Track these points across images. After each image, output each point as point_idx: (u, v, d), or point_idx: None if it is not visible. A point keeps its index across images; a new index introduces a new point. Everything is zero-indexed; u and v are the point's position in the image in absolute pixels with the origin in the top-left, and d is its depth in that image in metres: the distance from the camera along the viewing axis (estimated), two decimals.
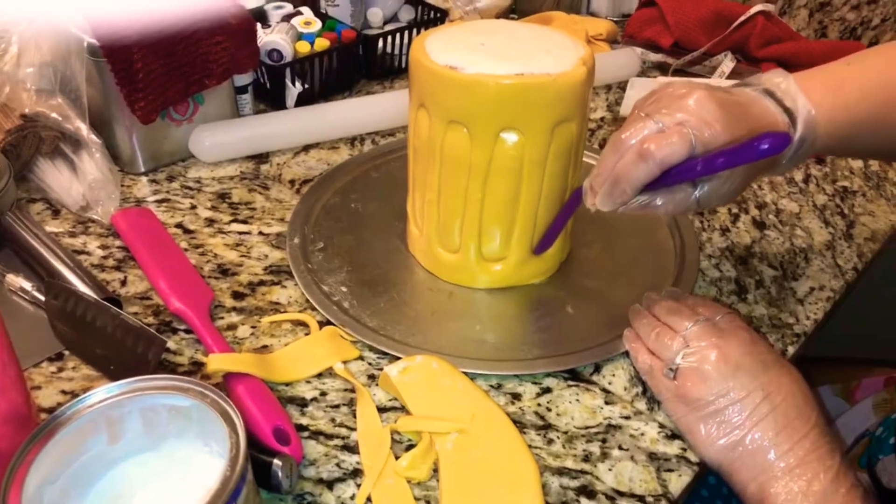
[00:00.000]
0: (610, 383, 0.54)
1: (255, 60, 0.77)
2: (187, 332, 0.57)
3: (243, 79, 0.82)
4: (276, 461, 0.44)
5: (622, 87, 0.91)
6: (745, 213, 0.72)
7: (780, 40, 0.93)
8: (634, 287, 0.61)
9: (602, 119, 0.87)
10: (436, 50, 0.55)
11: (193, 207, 0.71)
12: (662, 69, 0.96)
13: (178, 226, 0.68)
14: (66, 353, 0.55)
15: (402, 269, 0.64)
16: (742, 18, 0.93)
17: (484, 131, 0.54)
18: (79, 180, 0.70)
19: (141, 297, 0.60)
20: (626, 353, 0.55)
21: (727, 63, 0.93)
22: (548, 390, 0.53)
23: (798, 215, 0.72)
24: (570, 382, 0.54)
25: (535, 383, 0.54)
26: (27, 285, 0.59)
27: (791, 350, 0.57)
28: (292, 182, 0.74)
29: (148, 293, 0.61)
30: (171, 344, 0.56)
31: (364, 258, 0.64)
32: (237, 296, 0.61)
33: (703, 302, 0.53)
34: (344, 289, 0.61)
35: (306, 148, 0.80)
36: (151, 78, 0.69)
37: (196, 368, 0.54)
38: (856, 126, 0.50)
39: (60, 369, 0.54)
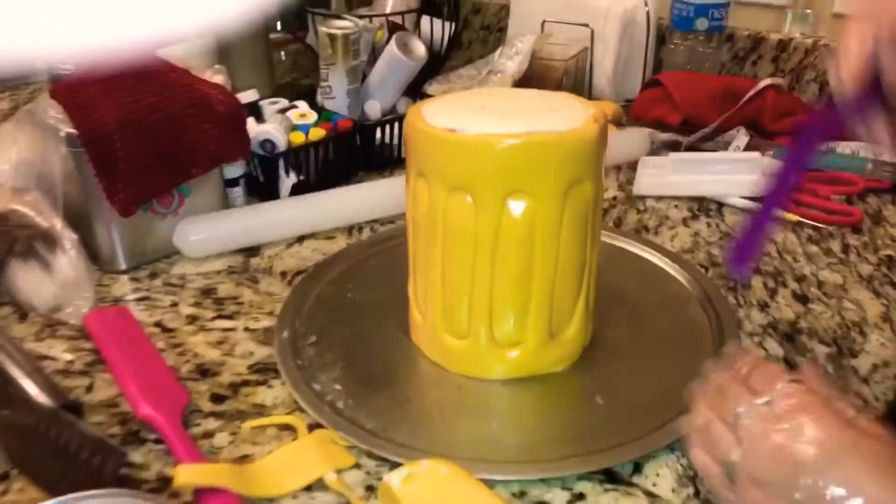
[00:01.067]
0: (654, 485, 0.45)
1: (245, 149, 0.73)
2: (157, 441, 0.49)
3: (234, 171, 0.78)
4: None
5: (632, 167, 0.87)
6: (783, 286, 0.65)
7: (794, 113, 0.90)
8: (669, 370, 0.53)
9: (615, 198, 0.81)
10: (433, 113, 0.51)
11: (175, 305, 0.64)
12: (673, 147, 0.91)
13: (157, 325, 0.62)
14: (14, 471, 0.47)
15: (404, 361, 0.57)
16: (752, 92, 0.89)
17: (489, 197, 0.48)
18: (51, 280, 0.64)
19: (107, 405, 0.53)
20: (671, 447, 0.46)
21: (741, 138, 0.88)
22: (581, 497, 0.45)
23: (843, 287, 0.65)
24: (608, 486, 0.45)
25: (565, 488, 0.45)
26: None
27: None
28: (284, 274, 0.68)
29: (116, 399, 0.53)
30: (136, 456, 0.48)
31: (361, 351, 0.57)
32: (216, 399, 0.53)
33: (758, 364, 0.42)
34: (338, 386, 0.53)
35: (300, 239, 0.74)
36: (133, 167, 0.65)
37: (164, 484, 0.46)
38: None
39: (5, 491, 0.46)
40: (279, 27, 1.44)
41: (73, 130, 0.63)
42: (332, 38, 0.85)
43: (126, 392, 0.53)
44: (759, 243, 0.49)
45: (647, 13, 1.02)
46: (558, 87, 1.02)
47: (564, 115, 0.50)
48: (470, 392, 0.53)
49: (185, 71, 0.71)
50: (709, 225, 0.75)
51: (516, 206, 0.48)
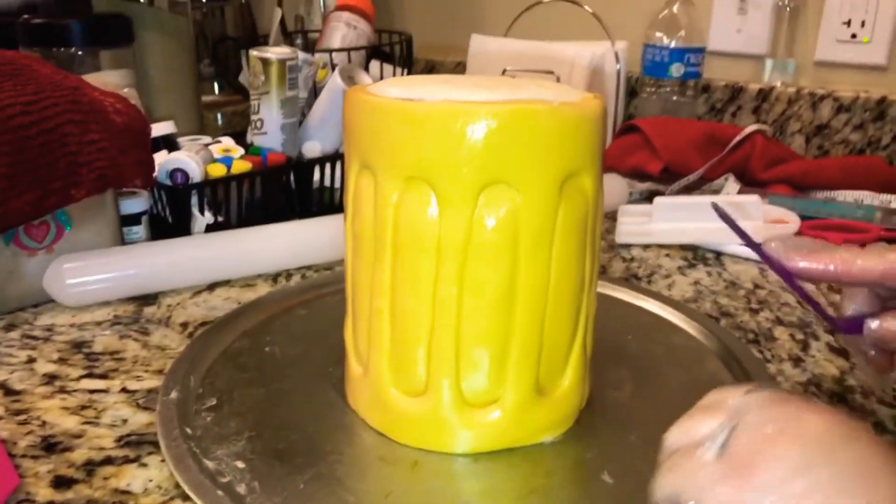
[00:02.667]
0: None
1: (147, 173, 0.59)
2: None
3: (134, 205, 0.63)
4: None
5: (610, 216, 0.76)
6: (815, 338, 0.52)
7: (784, 160, 0.81)
8: None
9: None
10: (382, 86, 0.38)
11: (31, 361, 0.48)
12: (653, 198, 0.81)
13: (1, 387, 0.45)
14: None
15: (337, 430, 0.41)
16: (739, 137, 0.80)
17: (458, 191, 0.35)
18: None
19: None
20: None
21: (731, 186, 0.78)
22: None
23: None
24: None
25: None
26: None
27: None
28: (185, 325, 0.53)
29: None
30: None
31: (278, 418, 0.42)
32: (60, 483, 0.37)
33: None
34: (240, 464, 0.37)
35: (211, 286, 0.59)
36: None
37: None
38: None
39: None
40: (216, 89, 1.34)
41: None
42: (264, 63, 0.73)
43: None
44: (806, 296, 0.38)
45: (618, 66, 0.94)
46: None
47: (554, 91, 0.38)
48: (428, 471, 0.38)
49: (73, 76, 0.57)
50: (709, 274, 0.63)
51: (494, 204, 0.35)
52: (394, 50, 0.98)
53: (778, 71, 0.89)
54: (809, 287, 0.36)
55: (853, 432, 0.27)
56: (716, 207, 0.39)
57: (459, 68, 1.11)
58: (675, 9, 0.88)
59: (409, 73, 0.99)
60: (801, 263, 0.36)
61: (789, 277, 0.36)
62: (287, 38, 1.07)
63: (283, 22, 1.00)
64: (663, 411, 0.43)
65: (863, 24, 0.84)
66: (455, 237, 0.35)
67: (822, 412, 0.28)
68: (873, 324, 0.36)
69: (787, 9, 0.88)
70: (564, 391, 0.40)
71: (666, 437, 0.32)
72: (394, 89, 0.37)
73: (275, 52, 0.73)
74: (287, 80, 0.74)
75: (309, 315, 0.54)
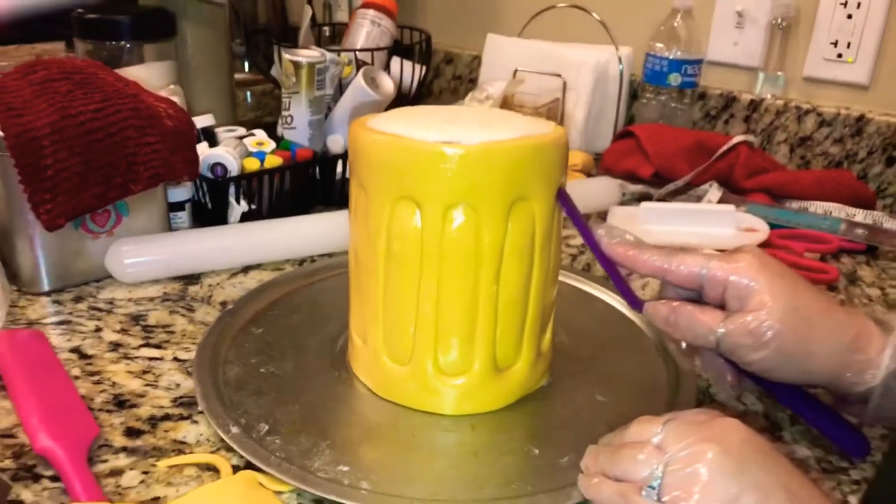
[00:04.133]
0: None
1: (193, 170, 0.68)
2: (54, 479, 0.42)
3: (180, 193, 0.72)
4: None
5: (602, 216, 0.84)
6: None
7: (766, 171, 0.88)
8: (618, 418, 0.47)
9: (583, 245, 0.78)
10: (379, 120, 0.48)
11: (98, 330, 0.58)
12: (644, 199, 0.89)
13: (74, 350, 0.55)
14: None
15: (342, 393, 0.51)
16: (725, 147, 0.88)
17: (435, 209, 0.45)
18: None
19: (4, 435, 0.46)
20: None
21: (714, 192, 0.86)
22: None
23: None
24: None
25: None
26: None
27: (854, 500, 0.44)
28: (224, 304, 0.62)
29: (14, 430, 0.46)
30: (27, 494, 0.41)
31: (299, 384, 0.51)
32: (131, 433, 0.46)
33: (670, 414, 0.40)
34: (264, 425, 0.47)
35: (246, 269, 0.68)
36: (63, 176, 0.59)
37: None
38: None
39: None
40: (247, 67, 1.42)
41: None
42: (296, 65, 0.81)
43: (25, 422, 0.46)
44: (622, 283, 0.48)
45: (621, 67, 1.01)
46: None
47: (519, 126, 0.47)
48: (404, 423, 0.48)
49: (132, 82, 0.66)
50: None
51: (460, 219, 0.45)
52: (414, 48, 1.05)
53: (769, 83, 0.96)
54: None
55: (765, 449, 0.36)
56: (561, 196, 0.47)
57: (475, 62, 1.18)
58: (676, 21, 0.95)
59: (426, 69, 1.06)
60: (619, 250, 0.46)
61: (606, 262, 0.46)
62: (315, 27, 1.15)
63: (313, 17, 1.08)
64: (603, 395, 0.52)
65: (848, 45, 0.90)
66: (433, 244, 0.45)
67: (730, 432, 0.36)
68: (647, 306, 0.45)
69: (781, 27, 0.94)
70: (518, 370, 0.49)
71: (594, 456, 0.40)
72: (388, 125, 0.46)
73: (305, 56, 0.82)
74: (315, 81, 0.82)
75: (323, 291, 0.64)
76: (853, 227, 0.79)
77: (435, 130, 0.45)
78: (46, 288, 0.63)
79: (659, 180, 0.89)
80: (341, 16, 1.26)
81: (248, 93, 1.32)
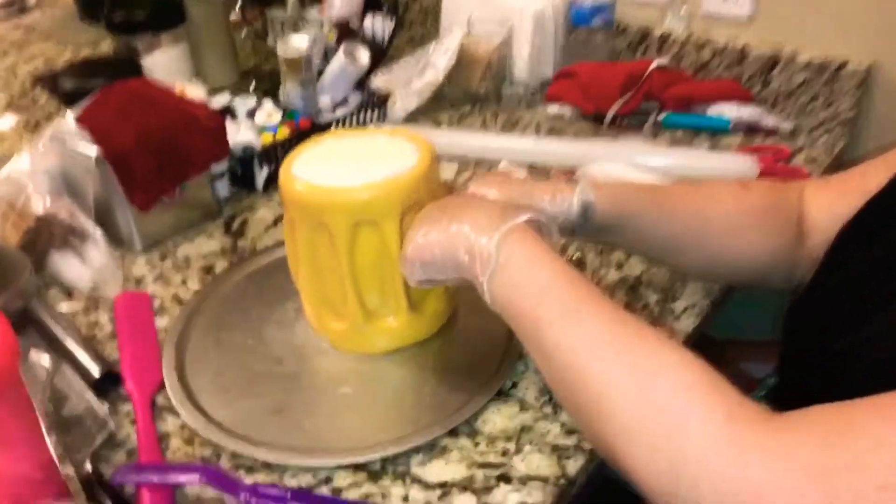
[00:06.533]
0: (523, 395, 0.69)
1: (226, 151, 0.93)
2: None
3: (219, 167, 0.97)
4: None
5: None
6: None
7: (677, 83, 1.11)
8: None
9: None
10: (299, 169, 0.70)
11: (185, 281, 0.85)
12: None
13: (174, 297, 0.83)
14: None
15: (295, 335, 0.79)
16: (645, 74, 1.10)
17: (341, 228, 0.67)
18: (86, 266, 0.84)
19: (116, 377, 0.73)
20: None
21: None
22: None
23: None
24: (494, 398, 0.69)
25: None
26: (44, 360, 0.72)
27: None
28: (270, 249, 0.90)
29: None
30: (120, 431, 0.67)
31: (259, 337, 0.77)
32: None
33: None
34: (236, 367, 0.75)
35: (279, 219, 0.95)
36: (146, 176, 0.84)
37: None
38: (629, 211, 0.66)
39: None
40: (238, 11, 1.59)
41: (98, 152, 0.82)
42: (288, 62, 1.04)
43: (122, 368, 0.71)
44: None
45: (554, 11, 1.22)
46: (483, 75, 1.22)
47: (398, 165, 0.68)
48: (343, 360, 0.73)
49: (179, 98, 0.90)
50: None
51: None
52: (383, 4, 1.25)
53: (676, 20, 1.17)
54: None
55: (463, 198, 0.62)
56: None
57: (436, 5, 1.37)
58: None
59: (397, 23, 1.26)
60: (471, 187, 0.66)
61: None
62: None
63: None
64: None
65: None
66: (343, 244, 0.68)
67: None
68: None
69: None
70: (431, 310, 0.74)
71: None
72: (300, 169, 0.69)
73: (297, 50, 1.03)
74: (303, 66, 1.05)
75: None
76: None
77: (344, 173, 0.67)
78: (139, 247, 0.90)
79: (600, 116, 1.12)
80: None
81: (243, 32, 1.49)
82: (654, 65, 1.12)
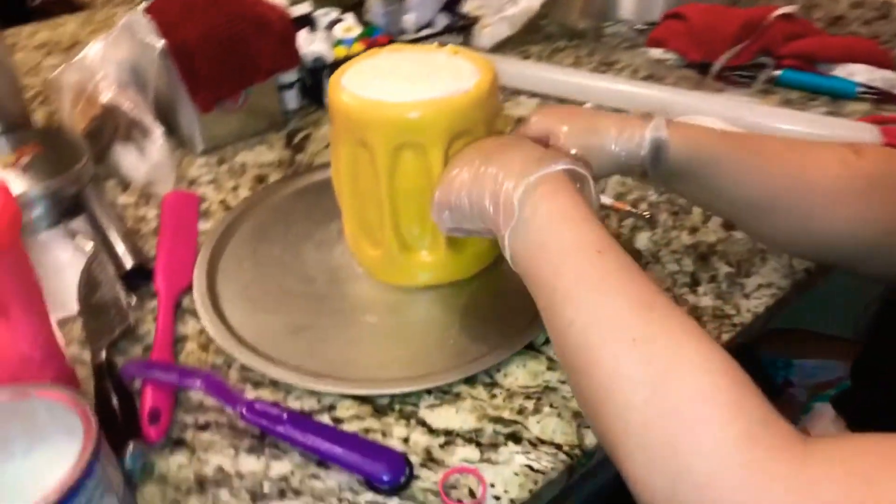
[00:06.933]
0: (555, 353, 0.63)
1: (295, 60, 0.90)
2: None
3: (288, 77, 0.94)
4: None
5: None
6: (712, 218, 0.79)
7: (802, 36, 0.98)
8: None
9: None
10: (347, 78, 0.65)
11: (235, 188, 0.84)
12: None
13: (222, 202, 0.81)
14: None
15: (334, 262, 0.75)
16: (765, 23, 0.98)
17: (385, 149, 0.62)
18: (144, 161, 0.84)
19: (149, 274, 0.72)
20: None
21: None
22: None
23: None
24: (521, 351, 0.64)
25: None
26: (88, 246, 0.72)
27: (725, 337, 0.65)
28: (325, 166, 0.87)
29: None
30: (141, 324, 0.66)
31: (298, 260, 0.73)
32: None
33: None
34: (276, 287, 0.72)
35: None
36: (209, 74, 0.82)
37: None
38: (709, 156, 0.58)
39: None
40: None
41: (164, 45, 0.81)
42: None
43: (156, 264, 0.70)
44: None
45: None
46: (584, 9, 1.13)
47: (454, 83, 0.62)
48: (381, 289, 0.69)
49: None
50: None
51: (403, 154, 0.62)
52: None
53: None
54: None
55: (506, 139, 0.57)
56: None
57: None
58: None
59: None
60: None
61: None
62: None
63: None
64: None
65: None
66: (384, 165, 0.63)
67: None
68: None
69: None
70: (471, 251, 0.69)
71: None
72: (354, 83, 0.63)
73: None
74: None
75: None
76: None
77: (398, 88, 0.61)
78: (200, 149, 0.89)
79: (706, 64, 1.01)
80: None
81: None
82: (777, 12, 0.99)
